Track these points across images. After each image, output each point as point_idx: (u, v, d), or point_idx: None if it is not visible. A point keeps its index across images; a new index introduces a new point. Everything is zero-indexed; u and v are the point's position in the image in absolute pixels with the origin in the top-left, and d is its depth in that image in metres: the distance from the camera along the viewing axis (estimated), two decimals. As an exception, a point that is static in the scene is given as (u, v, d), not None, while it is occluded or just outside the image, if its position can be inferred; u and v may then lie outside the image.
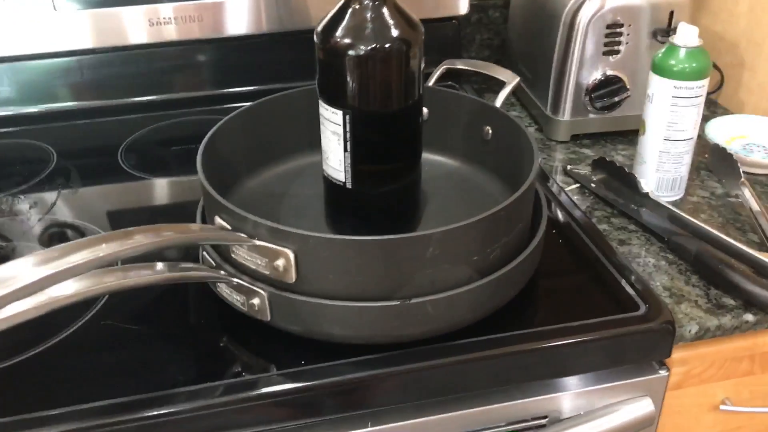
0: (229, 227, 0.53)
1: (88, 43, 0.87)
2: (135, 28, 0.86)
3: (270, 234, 0.50)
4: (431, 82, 0.72)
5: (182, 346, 0.55)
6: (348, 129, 0.56)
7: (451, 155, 0.72)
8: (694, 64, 0.70)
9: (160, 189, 0.77)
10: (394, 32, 0.54)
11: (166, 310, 0.58)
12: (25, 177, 0.78)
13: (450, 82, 0.93)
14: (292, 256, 0.50)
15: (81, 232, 0.68)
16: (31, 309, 0.42)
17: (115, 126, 0.89)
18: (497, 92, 0.69)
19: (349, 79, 0.54)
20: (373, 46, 0.53)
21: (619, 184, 0.76)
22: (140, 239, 0.43)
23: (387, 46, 0.53)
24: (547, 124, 0.89)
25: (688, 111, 0.71)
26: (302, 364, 0.53)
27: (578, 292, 0.61)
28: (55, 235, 0.69)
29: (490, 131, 0.68)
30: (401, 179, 0.60)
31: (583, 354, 0.56)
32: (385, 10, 0.54)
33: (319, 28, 0.55)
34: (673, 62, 0.70)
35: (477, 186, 0.70)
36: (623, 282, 0.61)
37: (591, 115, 0.87)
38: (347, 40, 0.53)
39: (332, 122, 0.56)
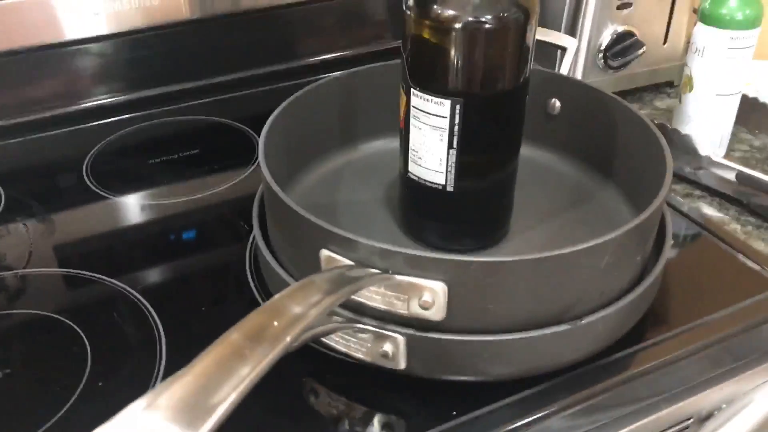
0: (346, 262, 0.41)
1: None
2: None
3: (411, 264, 0.40)
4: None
5: (286, 414, 0.44)
6: (457, 121, 0.46)
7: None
8: (748, 11, 0.65)
9: (145, 212, 0.63)
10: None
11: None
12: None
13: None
14: (442, 288, 0.40)
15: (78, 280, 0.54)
16: None
17: (71, 138, 0.72)
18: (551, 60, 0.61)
19: (458, 59, 0.44)
20: (489, 16, 0.43)
21: (671, 147, 0.71)
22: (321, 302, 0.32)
23: (504, 15, 0.43)
24: (557, 88, 0.82)
25: (742, 63, 0.67)
26: (454, 415, 0.43)
27: (706, 277, 0.54)
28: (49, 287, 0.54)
29: (558, 105, 0.60)
30: (504, 174, 0.51)
31: (746, 339, 0.50)
32: (497, -28, 0.43)
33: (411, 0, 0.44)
34: (725, 11, 0.65)
35: (548, 168, 0.62)
36: (741, 257, 0.56)
37: (605, 76, 0.81)
38: (453, 11, 0.43)
39: (434, 115, 0.46)
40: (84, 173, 0.66)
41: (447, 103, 0.45)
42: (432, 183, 0.49)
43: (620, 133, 0.56)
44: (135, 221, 0.61)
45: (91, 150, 0.70)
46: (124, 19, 0.72)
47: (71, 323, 0.49)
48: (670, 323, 0.49)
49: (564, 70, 0.60)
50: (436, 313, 0.41)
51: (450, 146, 0.47)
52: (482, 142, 0.48)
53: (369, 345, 0.43)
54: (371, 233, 0.51)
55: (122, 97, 0.76)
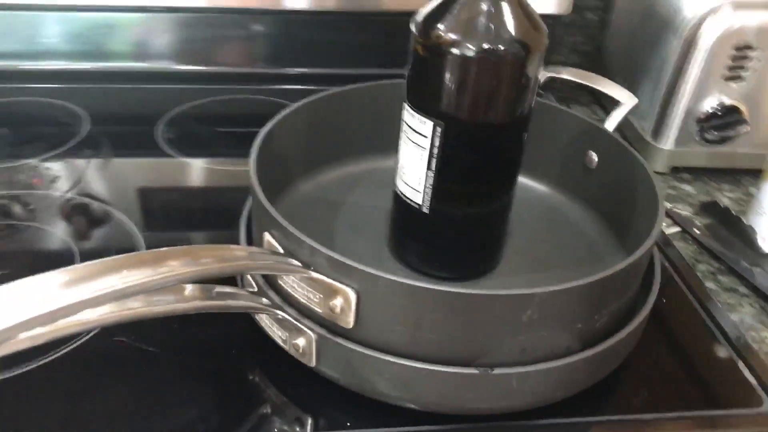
0: (279, 248, 0.43)
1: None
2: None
3: (330, 266, 0.40)
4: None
5: (205, 378, 0.46)
6: (437, 144, 0.45)
7: (543, 179, 0.62)
8: None
9: (199, 172, 0.68)
10: (513, 32, 0.43)
11: (192, 331, 0.49)
12: (53, 143, 0.69)
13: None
14: (353, 296, 0.40)
15: (107, 215, 0.59)
16: (46, 333, 0.33)
17: (159, 95, 0.79)
18: (606, 111, 0.58)
19: (448, 83, 0.44)
20: (485, 47, 0.42)
21: (730, 235, 0.65)
22: (175, 267, 0.33)
23: (502, 48, 0.43)
24: (645, 150, 0.78)
25: (831, 163, 0.60)
26: (347, 426, 0.43)
27: (684, 371, 0.50)
28: (79, 214, 0.60)
29: (596, 159, 0.58)
30: (489, 207, 0.50)
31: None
32: (504, 4, 0.43)
33: (420, 17, 0.44)
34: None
35: (570, 220, 0.59)
36: (741, 365, 0.50)
37: (697, 147, 0.75)
38: (453, 36, 0.42)
39: (418, 132, 0.46)
40: (158, 128, 0.73)
41: (429, 123, 0.45)
42: (411, 201, 0.49)
43: (640, 198, 0.52)
44: (181, 181, 0.67)
45: (170, 110, 0.76)
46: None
47: (70, 242, 0.55)
48: (607, 408, 0.46)
49: (611, 124, 0.57)
50: (347, 319, 0.41)
51: (428, 167, 0.47)
52: (461, 170, 0.47)
53: (287, 335, 0.44)
54: (358, 244, 0.53)
55: (212, 69, 0.82)
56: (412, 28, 0.45)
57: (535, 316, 0.40)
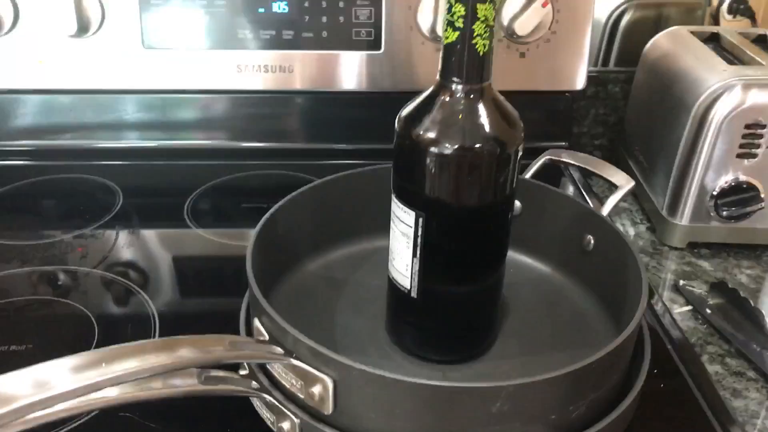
0: (266, 335, 0.45)
1: (173, 83, 0.82)
2: (223, 72, 0.82)
3: (310, 354, 0.43)
4: (529, 174, 0.63)
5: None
6: (419, 233, 0.48)
7: (542, 259, 0.63)
8: None
9: (223, 246, 0.71)
10: (488, 131, 0.45)
11: (195, 408, 0.51)
12: (85, 219, 0.74)
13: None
14: (330, 384, 0.42)
15: (128, 292, 0.63)
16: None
17: (191, 171, 0.84)
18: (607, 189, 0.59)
19: (427, 178, 0.46)
20: (460, 145, 0.45)
21: (740, 317, 0.64)
22: (186, 354, 0.37)
23: (477, 146, 0.45)
24: (662, 225, 0.78)
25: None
26: None
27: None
28: (102, 289, 0.64)
29: (592, 242, 0.58)
30: (476, 292, 0.51)
31: None
32: (480, 105, 0.45)
33: (402, 114, 0.47)
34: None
35: (569, 301, 0.60)
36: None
37: (714, 223, 0.75)
38: (430, 135, 0.45)
39: (403, 222, 0.48)
40: (186, 204, 0.77)
41: (412, 213, 0.47)
42: (401, 286, 0.51)
43: (630, 284, 0.53)
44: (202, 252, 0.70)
45: (201, 185, 0.81)
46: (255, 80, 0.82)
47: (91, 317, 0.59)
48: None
49: (607, 208, 0.58)
50: (326, 406, 0.43)
51: (414, 254, 0.49)
52: (444, 258, 0.49)
53: (274, 418, 0.46)
54: (357, 325, 0.55)
55: (242, 145, 0.87)
56: (396, 125, 0.47)
57: (506, 407, 0.41)
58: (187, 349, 0.39)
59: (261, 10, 0.80)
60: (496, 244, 0.50)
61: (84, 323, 0.59)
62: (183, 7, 0.79)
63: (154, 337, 0.57)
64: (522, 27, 0.80)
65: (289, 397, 0.45)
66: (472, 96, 0.45)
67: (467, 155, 0.45)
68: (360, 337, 0.54)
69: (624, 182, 0.59)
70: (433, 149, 0.45)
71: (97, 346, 0.53)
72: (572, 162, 0.62)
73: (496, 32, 0.53)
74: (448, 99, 0.45)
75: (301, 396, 0.44)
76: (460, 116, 0.45)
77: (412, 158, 0.46)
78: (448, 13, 0.43)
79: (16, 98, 0.84)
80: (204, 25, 0.80)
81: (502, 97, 0.47)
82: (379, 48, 0.82)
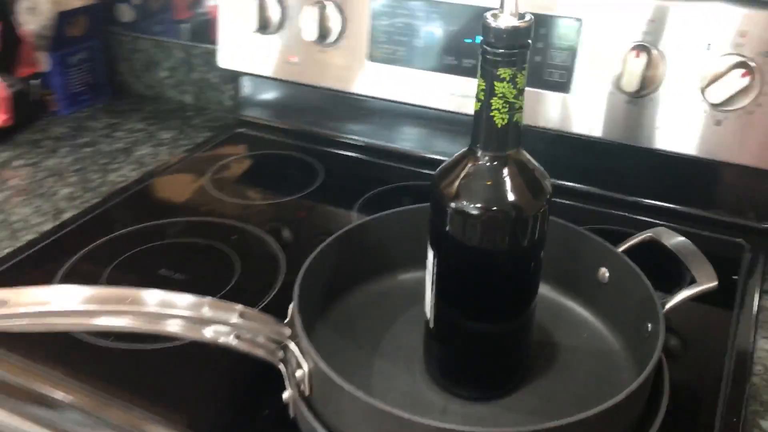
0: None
1: (389, 94, 0.95)
2: (433, 92, 0.91)
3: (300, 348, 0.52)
4: (624, 248, 0.62)
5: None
6: (434, 271, 0.53)
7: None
8: None
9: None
10: (500, 196, 0.49)
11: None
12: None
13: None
14: (307, 372, 0.51)
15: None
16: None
17: (384, 169, 0.96)
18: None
19: (447, 228, 0.51)
20: (469, 205, 0.49)
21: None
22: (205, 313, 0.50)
23: (493, 209, 0.49)
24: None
25: None
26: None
27: None
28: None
29: (607, 274, 0.62)
30: (490, 335, 0.55)
31: None
32: (500, 172, 0.49)
33: (438, 171, 0.52)
34: None
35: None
36: None
37: None
38: (448, 191, 0.50)
39: (429, 260, 0.54)
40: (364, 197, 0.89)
41: (432, 252, 0.53)
42: (426, 315, 0.57)
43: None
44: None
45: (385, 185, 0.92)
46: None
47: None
48: None
49: (673, 301, 0.56)
50: (307, 388, 0.52)
51: (431, 289, 0.54)
52: (452, 300, 0.53)
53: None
54: (398, 352, 0.61)
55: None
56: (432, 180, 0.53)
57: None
58: (207, 308, 0.51)
59: (467, 40, 0.88)
60: (506, 295, 0.53)
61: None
62: (403, 30, 0.90)
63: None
64: (715, 95, 0.75)
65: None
66: (493, 162, 0.49)
67: (477, 215, 0.49)
68: (397, 360, 0.60)
69: (705, 280, 0.55)
70: (446, 204, 0.50)
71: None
72: (667, 245, 0.59)
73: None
74: (470, 163, 0.50)
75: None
76: (476, 180, 0.49)
77: (435, 207, 0.52)
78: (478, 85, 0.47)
79: (271, 83, 1.04)
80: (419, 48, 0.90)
81: (534, 164, 0.50)
82: (568, 90, 0.84)
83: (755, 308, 0.71)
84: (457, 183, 0.50)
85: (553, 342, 0.62)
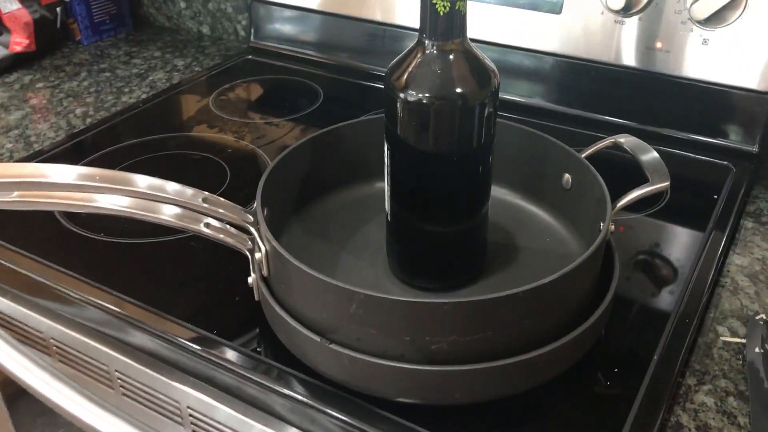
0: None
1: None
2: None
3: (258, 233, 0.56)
4: (586, 154, 0.64)
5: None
6: (389, 163, 0.56)
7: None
8: None
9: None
10: (447, 85, 0.51)
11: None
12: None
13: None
14: (264, 252, 0.55)
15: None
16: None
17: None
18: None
19: (393, 118, 0.54)
20: (418, 94, 0.51)
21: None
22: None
23: (431, 97, 0.51)
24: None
25: None
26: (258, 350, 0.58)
27: None
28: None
29: (570, 180, 0.63)
30: (443, 227, 0.57)
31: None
32: (446, 61, 0.51)
33: (389, 66, 0.54)
34: None
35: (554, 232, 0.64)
36: None
37: None
38: (397, 82, 0.52)
39: (385, 153, 0.57)
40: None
41: (386, 146, 0.56)
42: (387, 211, 0.59)
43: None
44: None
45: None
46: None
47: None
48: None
49: (624, 199, 0.57)
50: (265, 269, 0.56)
51: (387, 182, 0.57)
52: (407, 195, 0.56)
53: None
54: (365, 250, 0.64)
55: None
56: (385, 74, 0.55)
57: (360, 311, 0.49)
58: (173, 190, 0.55)
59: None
60: (457, 188, 0.55)
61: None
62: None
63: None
64: (700, 11, 0.75)
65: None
66: (439, 52, 0.51)
67: (423, 103, 0.51)
68: (362, 256, 0.64)
69: (657, 180, 0.57)
70: (395, 95, 0.52)
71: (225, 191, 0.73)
72: (630, 151, 0.61)
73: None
74: (419, 54, 0.52)
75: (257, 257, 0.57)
76: (422, 69, 0.51)
77: (386, 99, 0.54)
78: (424, -26, 0.49)
79: (281, 11, 1.07)
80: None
81: (480, 55, 0.52)
82: (559, 12, 0.85)
83: (730, 226, 0.72)
84: (406, 74, 0.52)
85: (514, 244, 0.64)
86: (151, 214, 0.56)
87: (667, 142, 0.82)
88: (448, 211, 0.57)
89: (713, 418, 0.54)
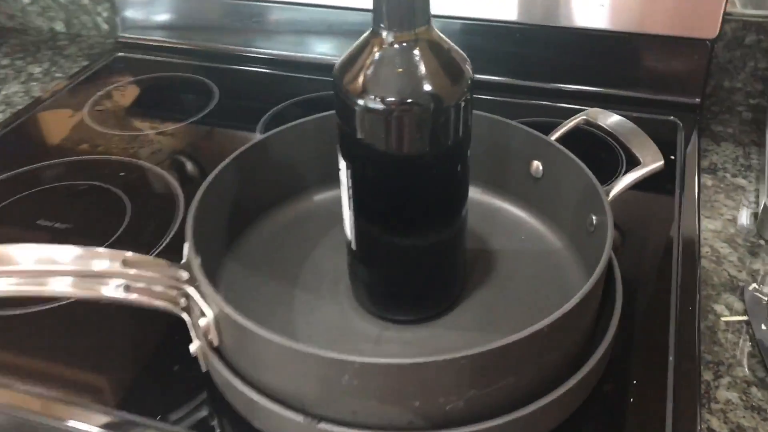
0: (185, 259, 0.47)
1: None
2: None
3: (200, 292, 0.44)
4: (557, 135, 0.56)
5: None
6: (349, 184, 0.45)
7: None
8: None
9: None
10: (422, 84, 0.41)
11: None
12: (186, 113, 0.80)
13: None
14: (213, 319, 0.43)
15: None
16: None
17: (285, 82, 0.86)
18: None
19: (357, 131, 0.43)
20: (386, 99, 0.41)
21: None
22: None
23: (407, 101, 0.41)
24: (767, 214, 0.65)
25: None
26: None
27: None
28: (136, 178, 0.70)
29: (541, 168, 0.55)
30: (412, 248, 0.48)
31: None
32: (417, 54, 0.41)
33: (337, 64, 0.44)
34: None
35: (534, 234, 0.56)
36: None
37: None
38: (356, 86, 0.42)
39: (342, 172, 0.46)
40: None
41: (344, 164, 0.45)
42: (346, 237, 0.49)
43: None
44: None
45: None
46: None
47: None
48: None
49: (615, 190, 0.50)
50: (215, 337, 0.44)
51: (349, 206, 0.47)
52: (375, 214, 0.46)
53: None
54: (321, 282, 0.54)
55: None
56: (332, 76, 0.44)
57: (355, 382, 0.39)
58: (87, 259, 0.42)
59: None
60: (433, 203, 0.46)
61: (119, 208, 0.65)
62: None
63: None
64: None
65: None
66: (402, 44, 0.41)
67: (389, 110, 0.41)
68: (320, 290, 0.53)
69: (650, 160, 0.50)
70: (353, 103, 0.41)
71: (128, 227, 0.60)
72: (606, 127, 0.53)
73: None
74: (376, 48, 0.41)
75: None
76: (384, 68, 0.41)
77: (340, 107, 0.43)
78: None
79: None
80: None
81: (449, 44, 0.42)
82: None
83: (696, 189, 0.67)
84: (362, 75, 0.41)
85: (489, 249, 0.56)
86: (46, 288, 0.43)
87: (610, 103, 0.76)
88: (426, 231, 0.47)
89: (743, 417, 0.49)
